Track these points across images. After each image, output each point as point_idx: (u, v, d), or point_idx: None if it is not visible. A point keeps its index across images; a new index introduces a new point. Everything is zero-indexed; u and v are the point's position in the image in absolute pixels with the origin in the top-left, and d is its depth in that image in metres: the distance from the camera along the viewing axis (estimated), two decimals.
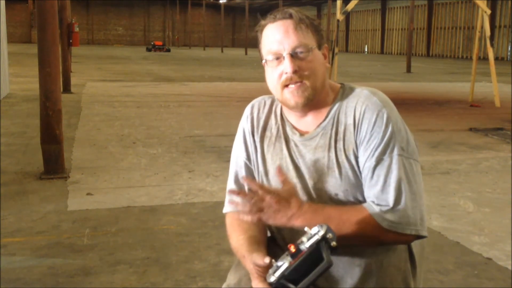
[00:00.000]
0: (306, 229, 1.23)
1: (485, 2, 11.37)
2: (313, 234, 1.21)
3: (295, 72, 1.42)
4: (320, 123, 1.49)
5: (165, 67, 21.10)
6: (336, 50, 10.86)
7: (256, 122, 1.59)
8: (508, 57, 36.52)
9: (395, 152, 1.39)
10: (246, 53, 38.79)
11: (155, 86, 13.36)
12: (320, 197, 1.45)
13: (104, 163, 5.28)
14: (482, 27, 10.80)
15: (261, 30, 1.49)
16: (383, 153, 1.39)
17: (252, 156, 1.59)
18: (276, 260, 1.25)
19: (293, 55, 1.42)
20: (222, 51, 43.76)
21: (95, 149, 5.87)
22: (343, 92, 1.51)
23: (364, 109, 1.43)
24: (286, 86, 1.44)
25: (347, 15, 36.84)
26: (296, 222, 1.34)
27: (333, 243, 1.21)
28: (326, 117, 1.49)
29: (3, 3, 10.44)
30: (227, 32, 63.59)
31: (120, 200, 4.12)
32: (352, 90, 1.50)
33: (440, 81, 17.36)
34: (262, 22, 1.49)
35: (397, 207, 1.36)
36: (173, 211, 3.90)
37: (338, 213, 1.37)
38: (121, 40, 60.43)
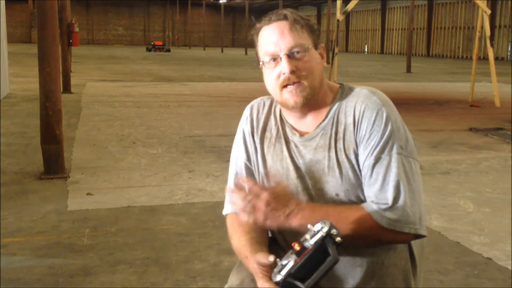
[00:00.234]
0: (309, 226, 1.22)
1: (485, 2, 11.36)
2: (316, 231, 1.20)
3: (292, 72, 1.42)
4: (320, 123, 1.49)
5: (165, 67, 21.10)
6: (336, 50, 10.86)
7: (256, 123, 1.59)
8: (508, 57, 36.53)
9: (394, 150, 1.39)
10: (246, 53, 38.78)
11: (155, 86, 13.36)
12: (321, 198, 1.45)
13: (104, 163, 5.28)
14: (482, 27, 10.79)
15: (257, 33, 1.49)
16: (382, 151, 1.39)
17: (252, 157, 1.58)
18: (280, 259, 1.25)
19: (290, 56, 1.42)
20: (222, 51, 43.77)
21: (95, 149, 5.87)
22: (342, 92, 1.51)
23: (363, 108, 1.43)
24: (285, 86, 1.45)
25: (347, 15, 36.85)
26: (294, 220, 1.33)
27: (338, 239, 1.20)
28: (326, 117, 1.49)
29: (3, 3, 10.44)
30: (227, 32, 63.61)
31: (120, 200, 4.12)
32: (351, 89, 1.50)
33: (440, 81, 17.35)
34: (258, 25, 1.49)
35: (396, 205, 1.35)
36: (173, 211, 3.90)
37: (336, 211, 1.37)
38: (121, 40, 60.44)
